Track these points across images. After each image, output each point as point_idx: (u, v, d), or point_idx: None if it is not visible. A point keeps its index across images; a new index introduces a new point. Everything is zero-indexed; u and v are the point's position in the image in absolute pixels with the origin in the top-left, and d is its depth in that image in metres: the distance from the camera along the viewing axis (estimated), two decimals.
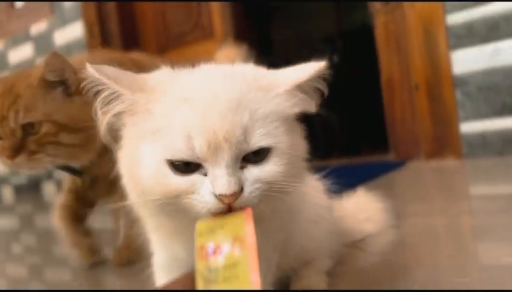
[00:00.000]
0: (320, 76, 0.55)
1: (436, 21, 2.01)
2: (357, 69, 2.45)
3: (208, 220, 0.48)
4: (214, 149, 0.47)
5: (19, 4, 3.46)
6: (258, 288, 0.43)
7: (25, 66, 3.34)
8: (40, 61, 1.57)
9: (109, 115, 0.52)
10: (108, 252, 1.37)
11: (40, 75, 1.01)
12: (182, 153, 0.48)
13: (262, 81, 0.52)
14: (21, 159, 1.01)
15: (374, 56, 2.20)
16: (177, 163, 0.48)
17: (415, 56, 2.08)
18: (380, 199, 1.09)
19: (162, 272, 0.65)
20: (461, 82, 1.97)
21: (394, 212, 1.10)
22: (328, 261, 0.82)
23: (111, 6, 2.94)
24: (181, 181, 0.49)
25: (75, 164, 1.13)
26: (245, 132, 0.48)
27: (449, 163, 2.00)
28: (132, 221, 1.28)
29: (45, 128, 1.01)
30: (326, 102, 2.04)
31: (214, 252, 0.46)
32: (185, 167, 0.49)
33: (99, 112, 0.53)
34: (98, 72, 0.51)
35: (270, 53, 3.15)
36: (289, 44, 3.37)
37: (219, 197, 0.47)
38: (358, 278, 0.86)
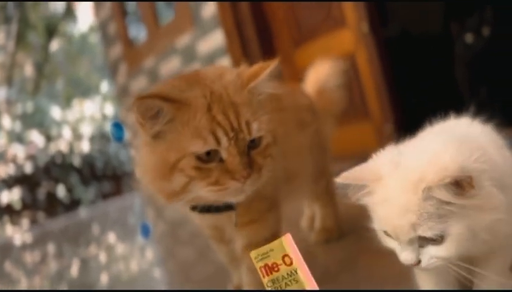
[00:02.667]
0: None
1: None
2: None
3: (258, 249, 0.64)
4: (395, 235, 0.69)
5: (164, 22, 3.86)
6: (315, 287, 0.61)
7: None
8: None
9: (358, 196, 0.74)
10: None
11: (254, 82, 0.88)
12: (387, 230, 0.71)
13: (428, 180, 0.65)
14: (252, 178, 0.86)
15: None
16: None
17: None
18: None
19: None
20: None
21: None
22: None
23: (246, 12, 3.15)
24: (390, 242, 0.72)
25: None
26: (415, 227, 0.66)
27: None
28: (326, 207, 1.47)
29: (266, 139, 0.90)
30: (476, 76, 1.99)
31: (273, 268, 0.62)
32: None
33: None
34: (347, 179, 0.73)
35: (386, 23, 3.06)
36: (406, 11, 3.22)
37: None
38: None
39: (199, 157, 0.84)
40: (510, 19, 2.27)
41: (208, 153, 0.84)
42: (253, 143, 0.88)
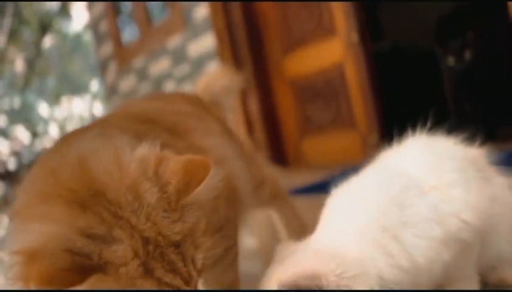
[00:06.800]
0: None
1: None
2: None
3: None
4: None
5: (156, 22, 3.84)
6: None
7: (164, 78, 3.71)
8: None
9: None
10: None
11: (187, 199, 0.66)
12: None
13: None
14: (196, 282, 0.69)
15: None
16: None
17: None
18: None
19: None
20: None
21: None
22: None
23: (238, 16, 3.15)
24: None
25: None
26: None
27: None
28: None
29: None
30: (460, 91, 2.00)
31: None
32: None
33: None
34: None
35: (379, 37, 3.07)
36: (399, 25, 3.25)
37: None
38: None
39: None
40: (492, 44, 2.30)
41: None
42: None
